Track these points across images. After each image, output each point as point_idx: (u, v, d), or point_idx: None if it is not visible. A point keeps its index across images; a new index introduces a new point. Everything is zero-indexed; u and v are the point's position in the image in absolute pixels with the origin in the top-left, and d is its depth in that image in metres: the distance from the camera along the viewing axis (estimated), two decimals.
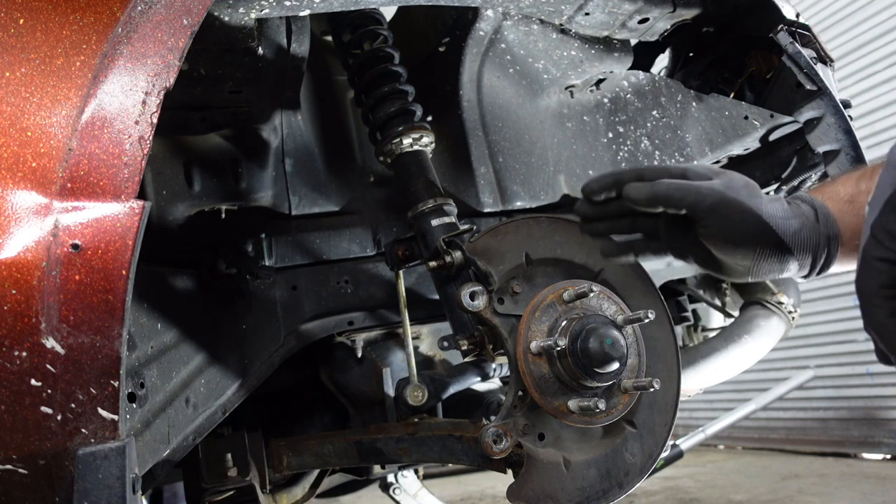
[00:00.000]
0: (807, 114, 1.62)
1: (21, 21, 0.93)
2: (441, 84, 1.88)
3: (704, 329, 2.48)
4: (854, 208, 1.02)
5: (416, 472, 3.27)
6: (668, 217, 1.07)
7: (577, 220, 1.31)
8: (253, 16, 1.31)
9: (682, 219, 1.06)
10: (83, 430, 0.89)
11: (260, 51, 1.43)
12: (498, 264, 1.39)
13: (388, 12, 1.98)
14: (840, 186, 1.05)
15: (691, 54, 2.01)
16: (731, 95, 1.87)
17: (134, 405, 1.34)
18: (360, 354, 1.84)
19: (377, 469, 2.06)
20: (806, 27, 1.66)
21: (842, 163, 1.61)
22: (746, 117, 1.73)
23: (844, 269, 1.05)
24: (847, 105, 1.63)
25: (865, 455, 5.15)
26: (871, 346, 0.92)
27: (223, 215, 1.70)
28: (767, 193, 1.08)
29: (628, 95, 2.02)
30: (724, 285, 2.43)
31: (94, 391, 0.90)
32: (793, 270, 1.03)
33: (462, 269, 1.43)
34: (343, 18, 1.73)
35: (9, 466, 0.89)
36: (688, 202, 1.03)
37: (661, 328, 1.43)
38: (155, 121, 0.94)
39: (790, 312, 2.25)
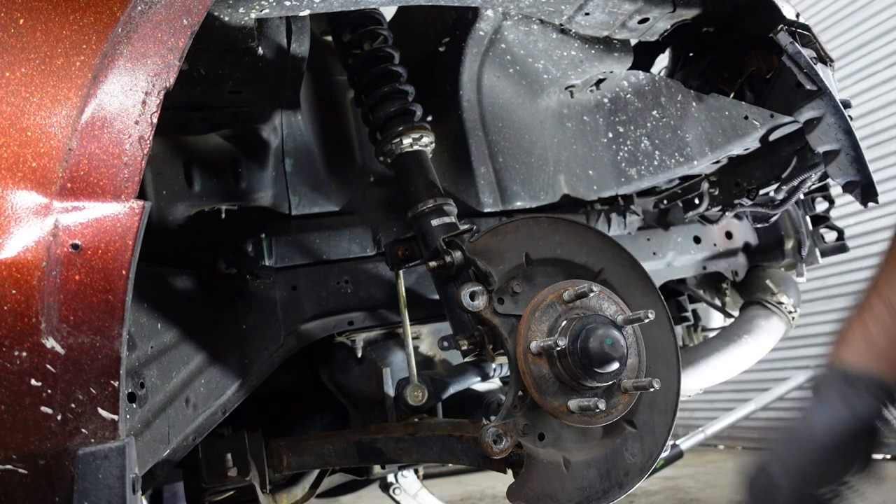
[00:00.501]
0: (807, 114, 1.62)
1: (21, 21, 0.93)
2: (441, 84, 1.88)
3: (704, 329, 2.48)
4: (881, 350, 1.03)
5: (416, 472, 3.26)
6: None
7: (578, 220, 1.31)
8: (253, 16, 1.31)
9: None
10: (83, 430, 0.89)
11: (260, 51, 1.42)
12: (498, 264, 1.39)
13: (388, 12, 1.98)
14: (854, 335, 1.06)
15: (691, 54, 2.00)
16: (731, 95, 1.87)
17: (134, 405, 1.34)
18: (360, 354, 1.84)
19: (377, 469, 2.06)
20: (806, 27, 1.65)
21: (842, 163, 1.61)
22: (746, 117, 1.73)
23: None
24: (847, 105, 1.63)
25: None
26: None
27: (223, 215, 1.70)
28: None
29: (628, 95, 2.02)
30: (724, 285, 2.43)
31: (94, 391, 0.90)
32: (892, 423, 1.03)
33: (462, 269, 1.43)
34: (343, 18, 1.73)
35: (9, 466, 0.89)
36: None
37: (661, 328, 1.43)
38: (155, 121, 0.94)
39: (790, 312, 2.24)
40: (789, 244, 2.30)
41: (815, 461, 1.01)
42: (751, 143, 1.79)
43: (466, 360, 1.58)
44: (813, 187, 1.95)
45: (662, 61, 2.18)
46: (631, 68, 1.93)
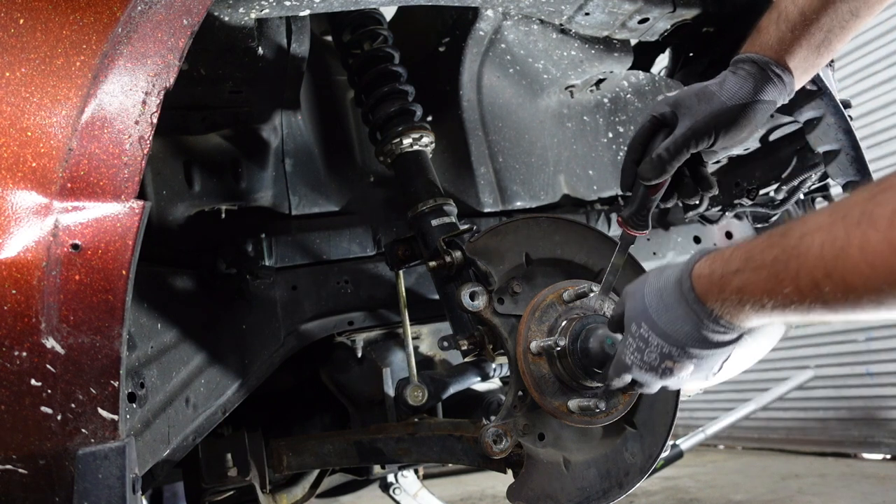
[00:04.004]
0: (807, 114, 1.62)
1: (21, 21, 0.93)
2: (441, 84, 1.87)
3: None
4: (781, 49, 1.20)
5: (416, 472, 3.27)
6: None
7: (578, 220, 1.32)
8: (253, 16, 1.31)
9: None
10: (83, 430, 0.89)
11: (260, 51, 1.42)
12: (498, 264, 1.39)
13: (389, 12, 1.98)
14: (764, 35, 1.22)
15: (691, 54, 2.00)
16: None
17: (134, 405, 1.34)
18: (360, 354, 1.84)
19: (377, 469, 2.06)
20: None
21: (842, 163, 1.61)
22: None
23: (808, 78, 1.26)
24: (847, 105, 1.63)
25: (865, 455, 5.15)
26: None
27: (223, 215, 1.70)
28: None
29: (628, 95, 2.02)
30: None
31: (94, 391, 0.90)
32: (779, 99, 1.21)
33: (462, 269, 1.43)
34: (343, 18, 1.73)
35: (9, 466, 0.89)
36: (683, 154, 1.19)
37: None
38: (155, 121, 0.94)
39: None
40: None
41: (715, 114, 1.17)
42: (751, 144, 1.79)
43: (466, 360, 1.58)
44: (813, 187, 1.95)
45: (662, 61, 2.17)
46: (631, 68, 1.93)
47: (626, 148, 1.92)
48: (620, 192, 2.04)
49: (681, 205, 2.11)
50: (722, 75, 1.21)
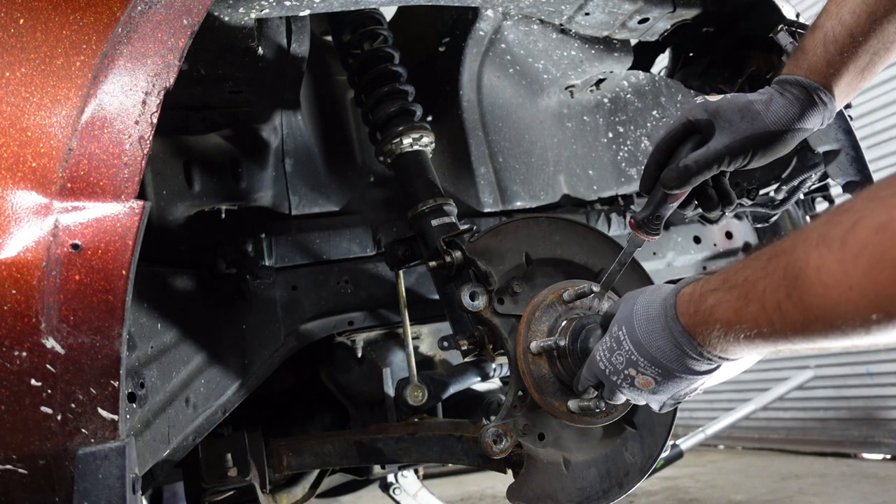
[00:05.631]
0: None
1: (21, 21, 0.93)
2: (441, 84, 1.88)
3: None
4: (830, 73, 1.14)
5: (416, 472, 3.27)
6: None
7: (578, 220, 1.31)
8: (253, 16, 1.31)
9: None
10: (83, 430, 0.89)
11: (260, 51, 1.43)
12: (498, 264, 1.39)
13: (388, 12, 1.98)
14: (812, 57, 1.16)
15: (691, 54, 2.01)
16: None
17: (134, 405, 1.34)
18: (360, 354, 1.84)
19: (377, 469, 2.06)
20: (806, 27, 1.66)
21: (842, 163, 1.61)
22: None
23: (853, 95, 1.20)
24: (847, 105, 1.63)
25: (865, 455, 5.15)
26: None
27: (223, 215, 1.70)
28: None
29: (628, 95, 2.02)
30: None
31: (94, 391, 0.90)
32: (817, 126, 1.16)
33: (462, 269, 1.43)
34: (343, 18, 1.73)
35: (9, 466, 0.89)
36: (712, 169, 1.14)
37: None
38: (155, 121, 0.94)
39: None
40: None
41: (756, 136, 1.11)
42: None
43: (466, 360, 1.58)
44: (813, 187, 1.95)
45: (662, 61, 2.18)
46: (631, 68, 1.93)
47: (629, 147, 1.90)
48: (620, 193, 2.04)
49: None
50: (767, 93, 1.16)
